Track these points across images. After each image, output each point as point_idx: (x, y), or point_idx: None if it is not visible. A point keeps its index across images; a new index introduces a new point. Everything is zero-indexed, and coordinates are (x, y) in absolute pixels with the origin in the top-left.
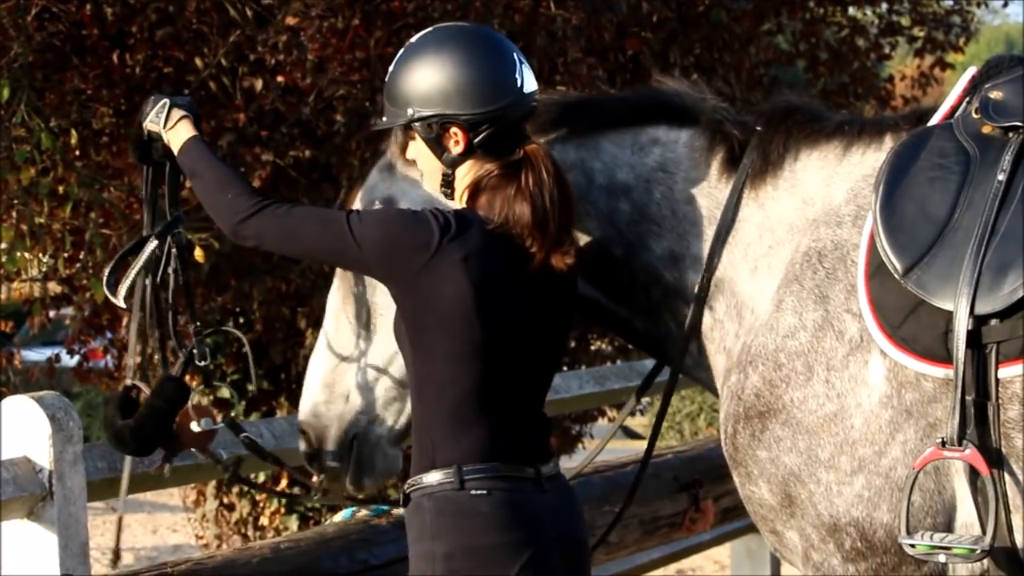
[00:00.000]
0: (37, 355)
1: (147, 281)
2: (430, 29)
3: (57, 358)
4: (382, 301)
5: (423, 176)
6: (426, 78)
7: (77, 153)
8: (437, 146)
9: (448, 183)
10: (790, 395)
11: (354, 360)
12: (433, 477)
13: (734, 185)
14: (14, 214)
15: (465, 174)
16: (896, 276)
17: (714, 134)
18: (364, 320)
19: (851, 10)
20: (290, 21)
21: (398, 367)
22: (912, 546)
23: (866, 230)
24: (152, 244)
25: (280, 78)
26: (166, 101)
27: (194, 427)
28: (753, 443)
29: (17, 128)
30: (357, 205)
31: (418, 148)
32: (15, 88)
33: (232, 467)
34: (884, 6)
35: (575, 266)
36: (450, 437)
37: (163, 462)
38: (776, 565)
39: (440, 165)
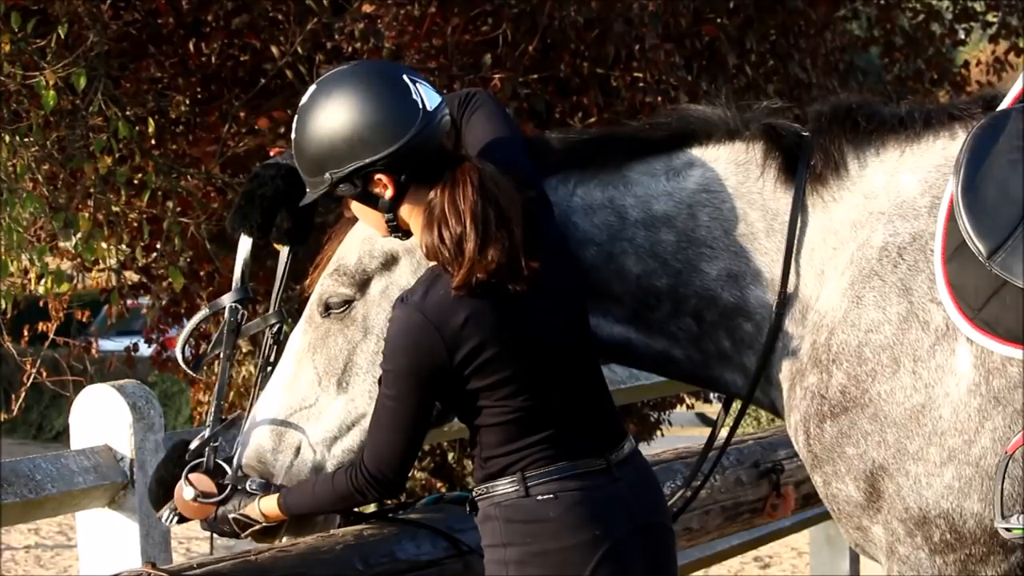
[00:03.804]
0: (114, 344)
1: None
2: (313, 86)
3: (135, 347)
4: (363, 363)
5: (374, 228)
6: (328, 136)
7: (154, 142)
8: (369, 198)
9: (395, 228)
10: (877, 389)
11: (313, 412)
12: (499, 486)
13: (796, 192)
14: (91, 203)
15: (410, 211)
16: (980, 259)
17: (765, 143)
18: (337, 376)
19: None
20: (367, 8)
21: (360, 431)
22: (1008, 530)
23: (941, 215)
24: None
25: None
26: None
27: (184, 494)
28: (841, 440)
29: (94, 117)
30: (355, 252)
31: (355, 207)
32: (92, 77)
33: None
34: None
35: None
36: (511, 445)
37: (171, 515)
38: (856, 552)
39: (381, 214)
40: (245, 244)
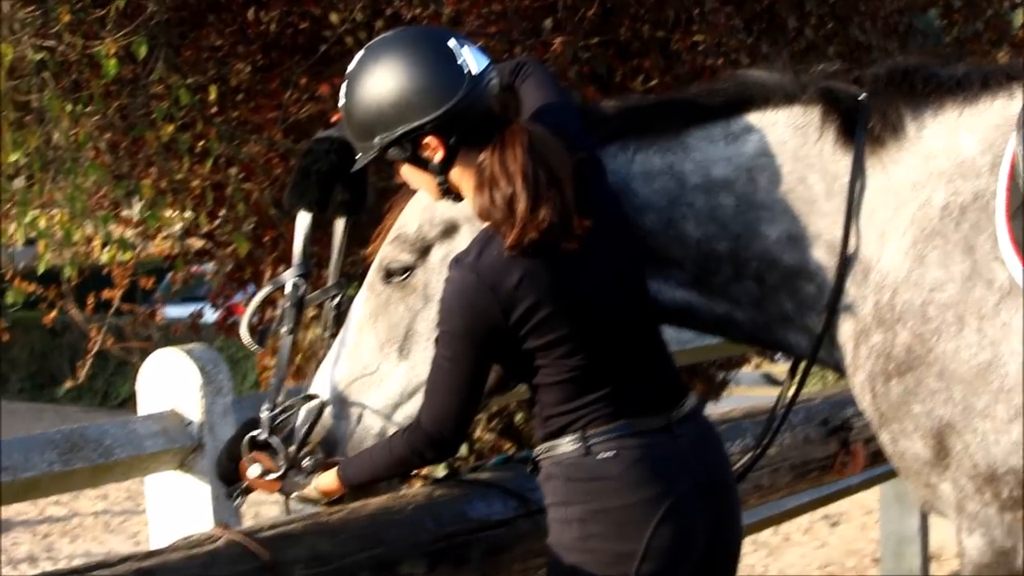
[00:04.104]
0: (179, 311)
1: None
2: (361, 52)
3: (200, 313)
4: (424, 330)
5: (426, 191)
6: (376, 101)
7: (215, 109)
8: (419, 162)
9: (447, 191)
10: (942, 347)
11: (375, 379)
12: (559, 445)
13: (855, 154)
14: (154, 171)
15: (461, 174)
16: None
17: (823, 107)
18: (399, 343)
19: None
20: None
21: (421, 397)
22: None
23: (1003, 173)
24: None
25: None
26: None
27: (250, 472)
28: (908, 398)
29: (155, 85)
30: (416, 220)
31: (406, 171)
32: (152, 46)
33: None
34: None
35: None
36: (570, 404)
37: (238, 492)
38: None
39: (432, 177)
40: (304, 220)
